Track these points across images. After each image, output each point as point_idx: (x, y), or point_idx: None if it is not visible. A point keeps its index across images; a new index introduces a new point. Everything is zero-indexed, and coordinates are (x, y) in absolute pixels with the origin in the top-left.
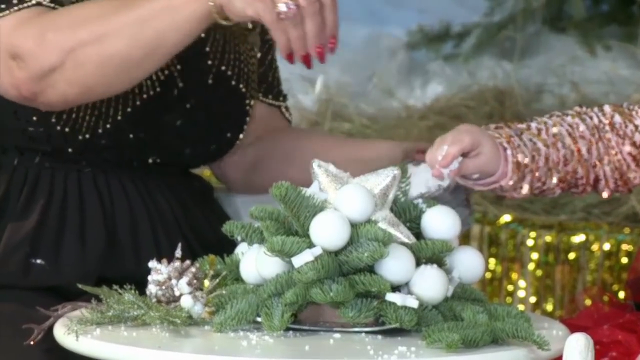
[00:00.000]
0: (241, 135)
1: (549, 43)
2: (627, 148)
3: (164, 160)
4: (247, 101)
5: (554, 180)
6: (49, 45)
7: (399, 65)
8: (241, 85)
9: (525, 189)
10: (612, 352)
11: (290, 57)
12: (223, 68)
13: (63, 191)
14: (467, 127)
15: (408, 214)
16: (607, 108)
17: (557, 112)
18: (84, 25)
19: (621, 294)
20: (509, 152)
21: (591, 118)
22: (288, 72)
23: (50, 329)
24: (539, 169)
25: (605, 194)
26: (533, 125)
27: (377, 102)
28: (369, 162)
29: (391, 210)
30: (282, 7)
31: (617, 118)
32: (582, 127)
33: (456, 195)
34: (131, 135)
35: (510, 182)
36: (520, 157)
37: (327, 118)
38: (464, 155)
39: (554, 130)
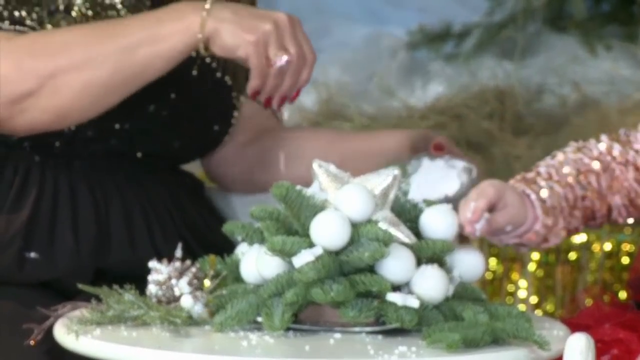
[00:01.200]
0: (230, 129)
1: (549, 43)
2: (632, 174)
3: (153, 153)
4: (234, 94)
5: (577, 217)
6: (25, 70)
7: (400, 65)
8: (227, 78)
9: (564, 232)
10: (613, 350)
11: (254, 96)
12: (208, 60)
13: (54, 184)
14: (489, 181)
15: (408, 214)
16: (603, 138)
17: (556, 152)
18: (63, 51)
19: (622, 295)
20: (532, 196)
21: (591, 150)
22: None
23: (49, 329)
24: (562, 210)
25: (620, 221)
26: (542, 170)
27: (378, 102)
28: (377, 155)
29: (391, 210)
30: (281, 61)
31: (617, 147)
32: (586, 160)
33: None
34: (117, 126)
35: (545, 225)
36: (547, 199)
37: (327, 117)
38: (491, 209)
39: (565, 170)
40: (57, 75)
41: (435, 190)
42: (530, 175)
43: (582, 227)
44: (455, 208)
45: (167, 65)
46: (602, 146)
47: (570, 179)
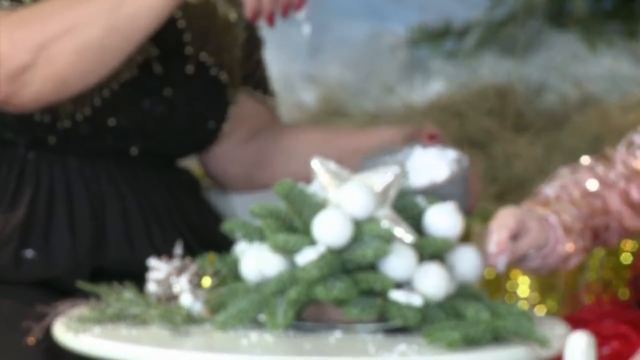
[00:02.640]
0: (224, 126)
1: (550, 40)
2: (617, 197)
3: (148, 150)
4: (229, 90)
5: (587, 238)
6: (18, 43)
7: (400, 62)
8: (222, 75)
9: (583, 253)
10: (613, 343)
11: (255, 17)
12: (204, 56)
13: (50, 182)
14: (508, 210)
15: (409, 212)
16: (587, 160)
17: (551, 177)
18: (52, 18)
19: (622, 293)
20: (551, 218)
21: (582, 171)
22: (289, 70)
23: (48, 327)
24: (581, 230)
25: (612, 242)
26: (550, 192)
27: (378, 100)
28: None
29: (392, 207)
30: None
31: (600, 170)
32: (582, 180)
33: (458, 186)
34: (112, 123)
35: (569, 245)
36: (566, 218)
37: (328, 114)
38: (514, 238)
39: (569, 190)
40: (49, 44)
41: (425, 176)
42: (540, 198)
43: (590, 248)
44: (442, 196)
45: (157, 17)
46: (585, 168)
47: (577, 197)
